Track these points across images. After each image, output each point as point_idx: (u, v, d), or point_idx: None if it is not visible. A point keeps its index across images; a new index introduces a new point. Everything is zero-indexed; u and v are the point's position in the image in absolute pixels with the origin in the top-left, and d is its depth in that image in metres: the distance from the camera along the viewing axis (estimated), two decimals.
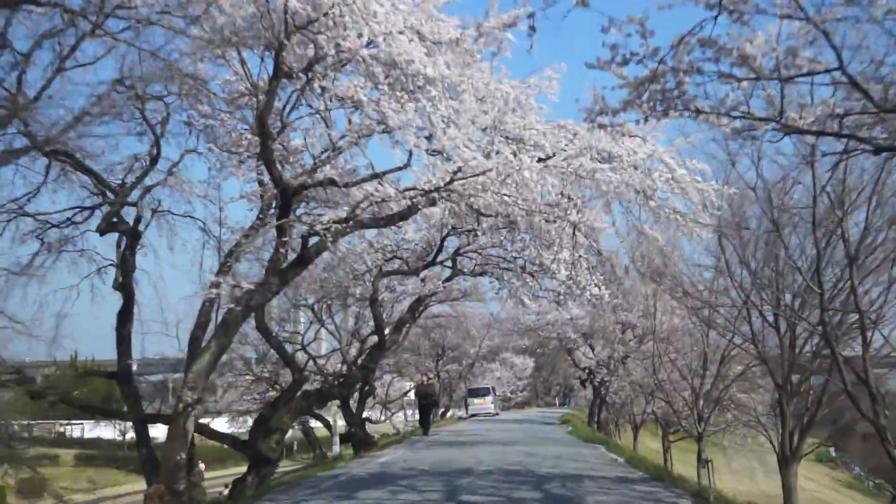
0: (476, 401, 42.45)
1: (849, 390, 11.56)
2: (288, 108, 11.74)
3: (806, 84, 5.92)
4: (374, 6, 8.99)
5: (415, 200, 12.70)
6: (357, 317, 26.54)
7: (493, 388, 44.87)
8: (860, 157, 9.89)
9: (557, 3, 5.14)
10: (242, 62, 11.07)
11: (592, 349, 31.04)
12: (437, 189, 12.16)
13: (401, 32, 9.23)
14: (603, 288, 16.88)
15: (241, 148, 13.12)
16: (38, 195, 12.70)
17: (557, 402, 71.60)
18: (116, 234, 13.96)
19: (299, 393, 19.51)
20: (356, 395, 27.40)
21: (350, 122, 11.82)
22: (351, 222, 12.75)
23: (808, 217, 12.64)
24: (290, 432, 42.02)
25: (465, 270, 19.98)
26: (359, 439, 24.67)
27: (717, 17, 5.27)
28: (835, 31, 5.31)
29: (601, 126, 6.20)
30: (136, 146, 52.98)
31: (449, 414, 49.68)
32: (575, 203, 13.48)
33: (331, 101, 11.57)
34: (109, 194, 13.45)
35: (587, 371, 31.19)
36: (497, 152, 11.49)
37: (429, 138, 11.14)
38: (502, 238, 18.33)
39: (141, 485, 20.34)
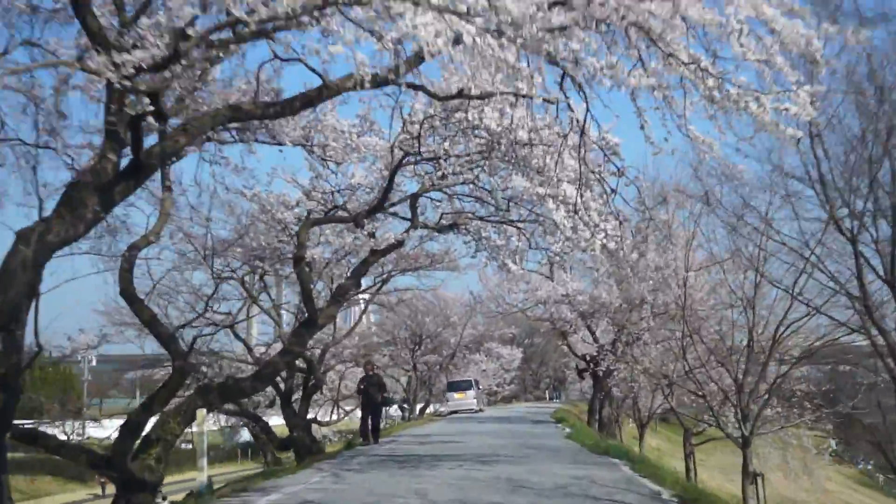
0: (456, 395, 36.88)
1: None
2: None
3: None
4: None
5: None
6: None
7: (476, 382, 39.28)
8: None
9: None
10: None
11: (593, 333, 25.48)
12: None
13: None
14: (623, 228, 11.49)
15: None
16: None
17: (548, 396, 66.10)
18: None
19: (193, 389, 14.05)
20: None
21: None
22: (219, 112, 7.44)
23: None
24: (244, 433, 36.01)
25: (430, 224, 14.36)
26: (302, 445, 19.11)
27: None
28: None
29: None
30: None
31: (429, 410, 43.94)
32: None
33: None
34: None
35: (586, 359, 25.71)
36: None
37: None
38: (475, 171, 12.79)
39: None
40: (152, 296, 21.59)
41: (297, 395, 22.21)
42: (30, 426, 15.60)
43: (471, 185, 13.52)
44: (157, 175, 10.18)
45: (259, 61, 9.35)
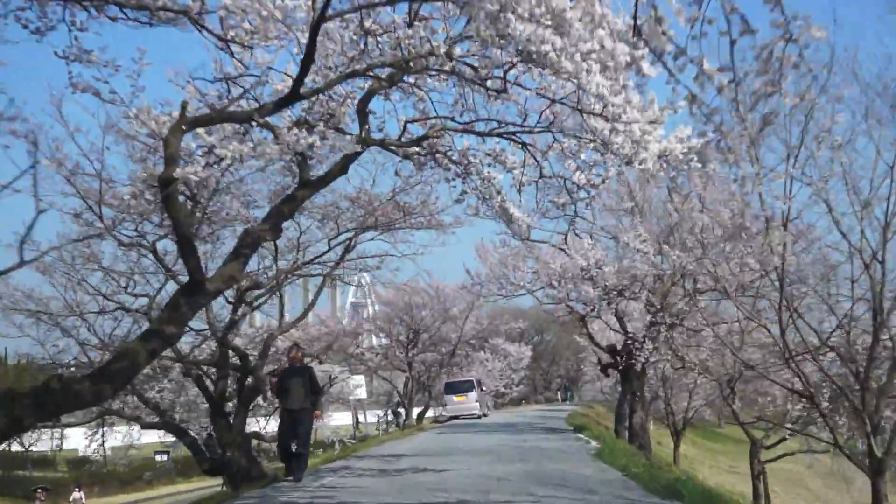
0: (455, 399, 31.44)
1: None
2: None
3: None
4: None
5: None
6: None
7: (479, 382, 33.81)
8: None
9: None
10: None
11: (621, 319, 20.01)
12: None
13: None
14: None
15: None
16: None
17: (559, 398, 60.49)
18: None
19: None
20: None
21: None
22: None
23: None
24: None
25: (390, 144, 8.95)
26: (237, 468, 13.92)
27: None
28: None
29: None
30: None
31: (430, 413, 38.53)
32: None
33: None
34: None
35: (615, 351, 20.26)
36: None
37: None
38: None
39: None
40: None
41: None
42: None
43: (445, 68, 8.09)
44: None
45: None
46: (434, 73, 7.79)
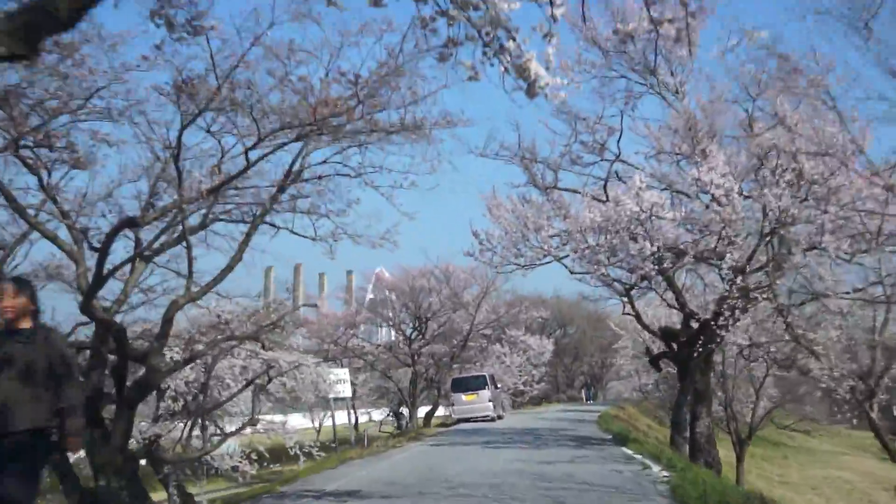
0: (465, 397, 26.14)
1: None
2: None
3: None
4: None
5: None
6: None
7: (492, 378, 28.46)
8: None
9: None
10: None
11: (679, 293, 14.63)
12: None
13: None
14: None
15: None
16: None
17: (584, 397, 54.94)
18: None
19: None
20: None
21: None
22: None
23: None
24: None
25: None
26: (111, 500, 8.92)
27: None
28: None
29: None
30: None
31: (440, 412, 33.16)
32: None
33: None
34: None
35: (670, 336, 14.91)
36: None
37: None
38: None
39: None
40: None
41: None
42: None
43: None
44: None
45: None
46: None
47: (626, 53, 14.74)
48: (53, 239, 9.68)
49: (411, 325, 31.55)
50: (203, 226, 10.53)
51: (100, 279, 8.96)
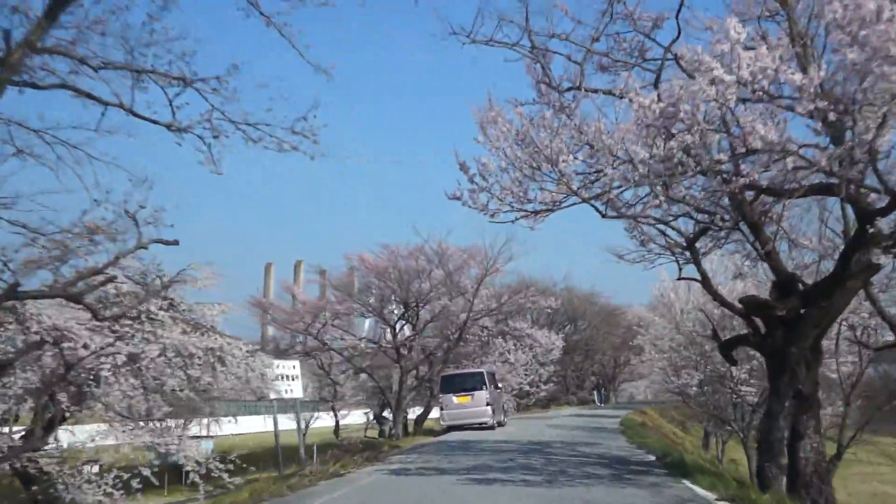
0: (457, 399, 20.81)
1: None
2: None
3: None
4: None
5: None
6: None
7: (492, 376, 23.10)
8: None
9: None
10: None
11: (769, 256, 9.31)
12: None
13: None
14: None
15: None
16: None
17: (596, 400, 49.50)
18: None
19: None
20: None
21: None
22: None
23: None
24: None
25: None
26: None
27: None
28: None
29: None
30: None
31: (434, 414, 27.79)
32: None
33: None
34: None
35: (756, 306, 9.70)
36: None
37: None
38: None
39: None
40: None
41: None
42: None
43: None
44: None
45: None
46: None
47: None
48: None
49: (397, 313, 26.31)
50: None
51: None
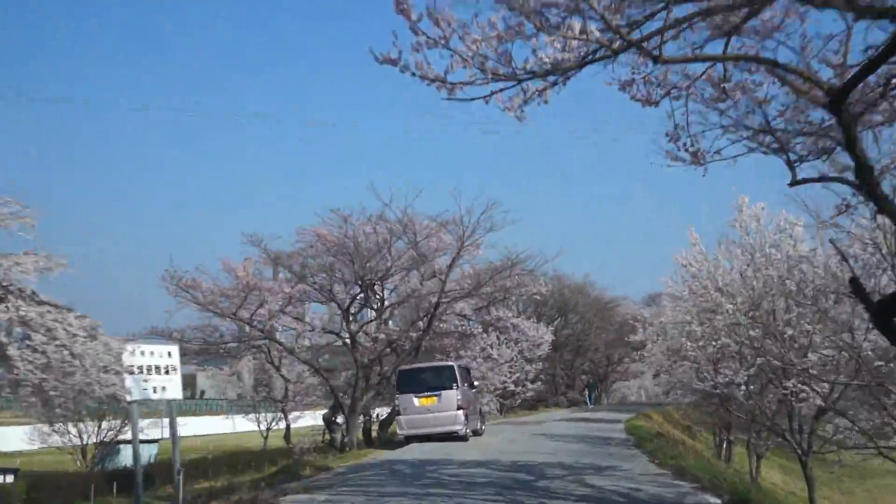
0: (418, 401, 15.59)
1: None
2: None
3: None
4: None
5: None
6: None
7: (465, 371, 17.83)
8: None
9: None
10: None
11: None
12: None
13: None
14: None
15: None
16: None
17: (587, 401, 44.46)
18: None
19: None
20: None
21: None
22: None
23: None
24: None
25: None
26: None
27: None
28: None
29: None
30: None
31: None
32: None
33: None
34: None
35: None
36: None
37: None
38: None
39: None
40: None
41: None
42: None
43: None
44: None
45: None
46: None
47: None
48: None
49: (352, 294, 21.07)
50: None
51: None
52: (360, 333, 21.73)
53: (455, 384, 15.57)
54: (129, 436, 24.84)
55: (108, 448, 25.49)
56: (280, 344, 20.95)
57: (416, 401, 15.57)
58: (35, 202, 9.04)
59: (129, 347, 9.82)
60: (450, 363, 16.73)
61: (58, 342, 8.97)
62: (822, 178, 6.45)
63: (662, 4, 5.61)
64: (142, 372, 10.01)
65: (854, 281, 5.83)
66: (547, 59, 5.90)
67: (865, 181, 4.87)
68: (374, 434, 22.47)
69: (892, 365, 11.07)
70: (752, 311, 13.04)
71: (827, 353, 12.11)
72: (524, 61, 5.96)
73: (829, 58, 5.58)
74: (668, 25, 5.67)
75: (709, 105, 6.62)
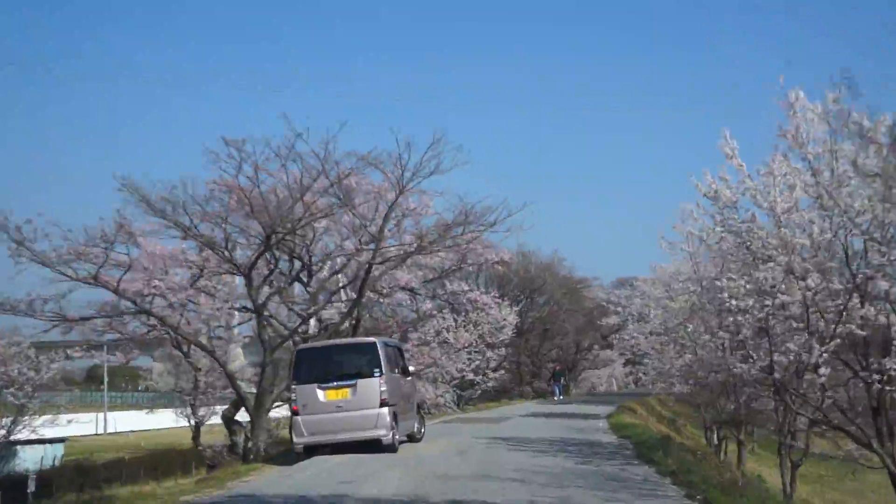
0: (324, 394, 10.55)
1: None
2: None
3: None
4: None
5: None
6: None
7: (396, 352, 12.72)
8: None
9: None
10: None
11: None
12: None
13: None
14: None
15: None
16: None
17: (555, 392, 39.68)
18: None
19: None
20: None
21: None
22: None
23: None
24: None
25: None
26: None
27: None
28: None
29: None
30: None
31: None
32: None
33: None
34: None
35: None
36: None
37: None
38: None
39: None
40: None
41: None
42: None
43: None
44: None
45: None
46: None
47: None
48: None
49: (249, 249, 15.87)
50: None
51: None
52: (271, 305, 16.63)
53: (378, 369, 10.51)
54: (26, 435, 19.85)
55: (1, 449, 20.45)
56: (153, 315, 15.58)
57: (320, 394, 10.49)
58: None
59: None
60: (370, 339, 11.60)
61: None
62: None
63: None
64: None
65: None
66: None
67: None
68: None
69: None
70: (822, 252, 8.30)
71: None
72: None
73: None
74: None
75: None
